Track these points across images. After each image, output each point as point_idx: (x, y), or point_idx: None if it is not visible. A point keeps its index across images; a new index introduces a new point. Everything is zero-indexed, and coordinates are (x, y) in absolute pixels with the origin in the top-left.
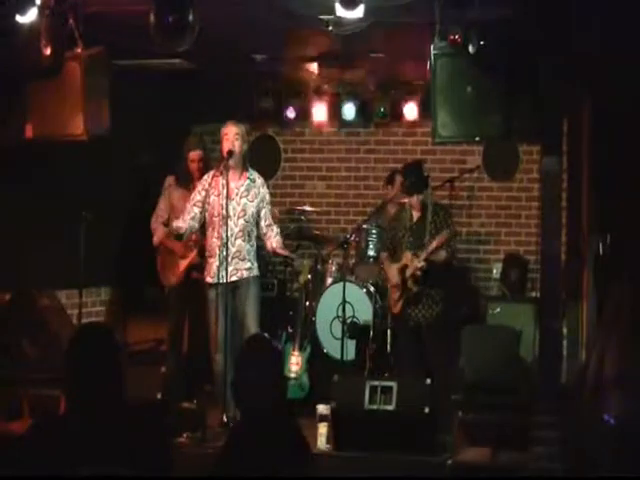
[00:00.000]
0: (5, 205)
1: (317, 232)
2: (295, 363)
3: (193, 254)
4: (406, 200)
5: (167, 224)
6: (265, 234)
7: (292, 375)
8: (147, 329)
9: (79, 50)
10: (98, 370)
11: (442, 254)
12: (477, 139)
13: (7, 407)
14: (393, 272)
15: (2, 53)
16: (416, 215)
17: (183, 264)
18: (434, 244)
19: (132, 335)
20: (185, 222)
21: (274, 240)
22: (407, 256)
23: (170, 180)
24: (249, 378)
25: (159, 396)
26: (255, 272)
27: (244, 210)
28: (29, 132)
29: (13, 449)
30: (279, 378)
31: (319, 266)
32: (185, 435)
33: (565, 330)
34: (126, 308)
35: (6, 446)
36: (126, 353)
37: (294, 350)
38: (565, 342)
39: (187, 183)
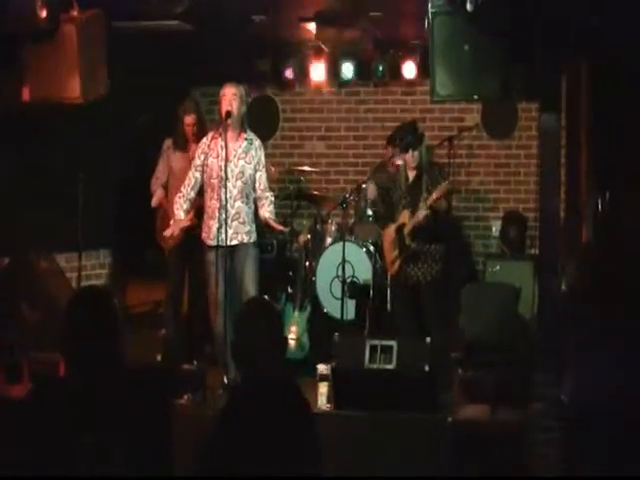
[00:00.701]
0: (2, 169)
1: (316, 192)
2: (295, 323)
3: (191, 215)
4: (400, 162)
5: (165, 186)
6: (259, 200)
7: (292, 335)
8: (146, 291)
9: (75, 12)
10: (96, 333)
11: (443, 203)
12: (475, 98)
13: (7, 371)
14: (390, 232)
15: None
16: (411, 175)
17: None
18: (435, 194)
19: (132, 298)
20: (183, 205)
21: (267, 210)
22: (404, 214)
23: (168, 143)
24: (249, 340)
25: (159, 358)
26: (254, 236)
27: (242, 172)
28: (26, 95)
29: (14, 413)
30: (279, 340)
31: (318, 226)
32: (185, 397)
33: (563, 287)
34: (125, 271)
35: (7, 410)
36: (126, 316)
37: (294, 310)
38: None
39: (184, 146)
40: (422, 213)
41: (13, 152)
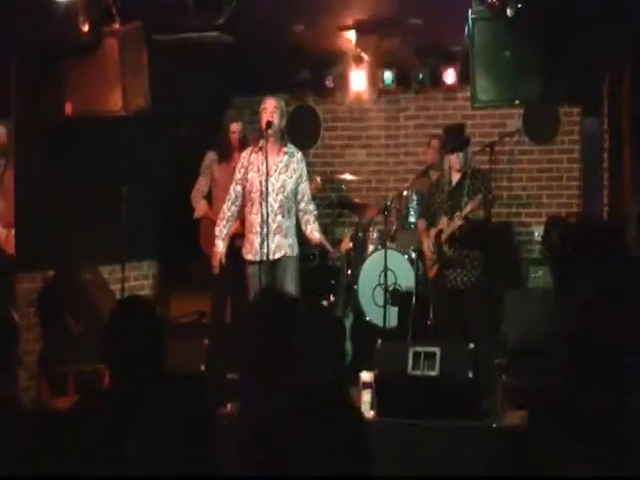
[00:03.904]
0: (46, 183)
1: (357, 200)
2: None
3: (237, 224)
4: (445, 166)
5: (207, 197)
6: (303, 214)
7: None
8: (190, 302)
9: (117, 26)
10: (139, 342)
11: (480, 214)
12: (516, 102)
13: (52, 384)
14: (429, 238)
15: (40, 31)
16: (455, 179)
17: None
18: (469, 207)
19: (175, 308)
20: (223, 231)
21: (313, 227)
22: (443, 221)
23: (211, 156)
24: (313, 350)
25: (202, 368)
26: (296, 249)
27: (283, 186)
28: (68, 109)
29: (58, 425)
30: (340, 348)
31: (360, 234)
32: (229, 406)
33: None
34: (169, 282)
35: (52, 423)
36: (169, 326)
37: None
38: None
39: (228, 156)
40: (457, 224)
41: (56, 165)
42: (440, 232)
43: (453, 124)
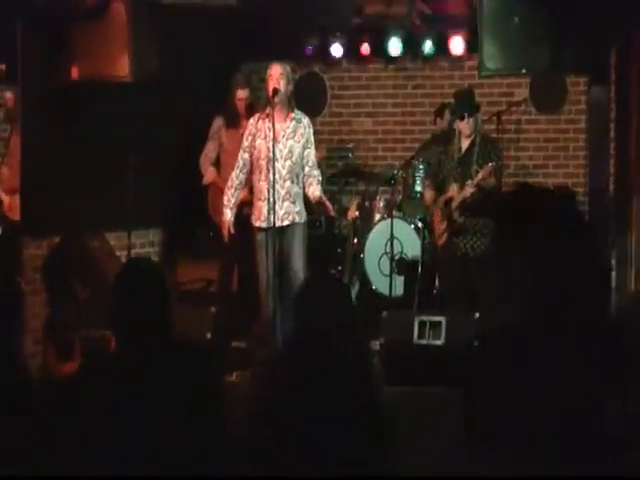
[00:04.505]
0: (52, 148)
1: (364, 169)
2: None
3: (245, 192)
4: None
5: (215, 163)
6: (307, 178)
7: None
8: (197, 269)
9: None
10: (145, 304)
11: (491, 182)
12: (524, 71)
13: (58, 349)
14: (438, 205)
15: None
16: (465, 145)
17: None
18: (480, 175)
19: (182, 276)
20: (231, 199)
21: (316, 188)
22: (453, 188)
23: (219, 121)
24: (319, 318)
25: (209, 336)
26: (304, 215)
27: (291, 152)
28: (75, 74)
29: (63, 389)
30: (349, 317)
31: (366, 203)
32: (235, 374)
33: (614, 261)
34: (175, 249)
35: (57, 387)
36: (176, 293)
37: None
38: (614, 274)
39: (235, 123)
40: (468, 192)
41: (63, 131)
42: (450, 199)
43: (463, 89)
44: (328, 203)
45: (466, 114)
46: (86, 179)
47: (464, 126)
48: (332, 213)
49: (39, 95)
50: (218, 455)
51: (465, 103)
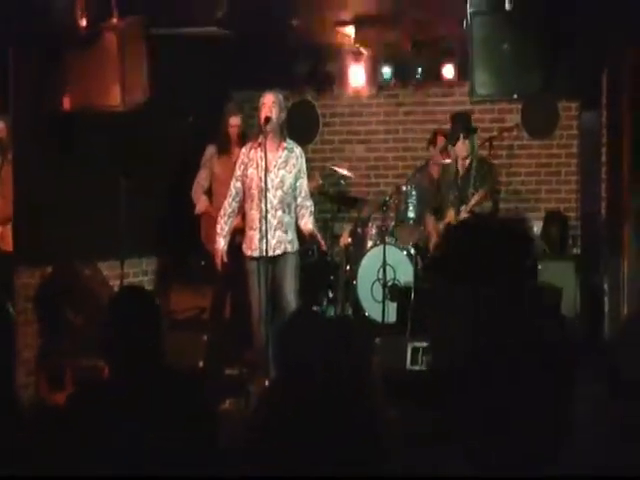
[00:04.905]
0: (45, 178)
1: (356, 195)
2: None
3: (237, 220)
4: (448, 160)
5: (208, 192)
6: (300, 209)
7: None
8: (190, 298)
9: (115, 20)
10: (138, 330)
11: (487, 206)
12: (515, 96)
13: (50, 378)
14: (438, 228)
15: (38, 25)
16: (462, 168)
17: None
18: (474, 200)
19: (175, 304)
20: (224, 228)
21: (308, 220)
22: (450, 214)
23: (211, 150)
24: (296, 352)
25: (201, 364)
26: (296, 244)
27: (282, 181)
28: (67, 104)
29: (54, 417)
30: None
31: (359, 230)
32: (228, 402)
33: (606, 286)
34: (168, 277)
35: (48, 415)
36: (169, 321)
37: (335, 314)
38: (606, 298)
39: (227, 150)
40: (463, 217)
41: (55, 160)
42: (449, 225)
43: (460, 111)
44: (320, 238)
45: (462, 136)
46: (79, 208)
47: (460, 148)
48: (324, 247)
49: (31, 125)
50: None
51: (461, 125)
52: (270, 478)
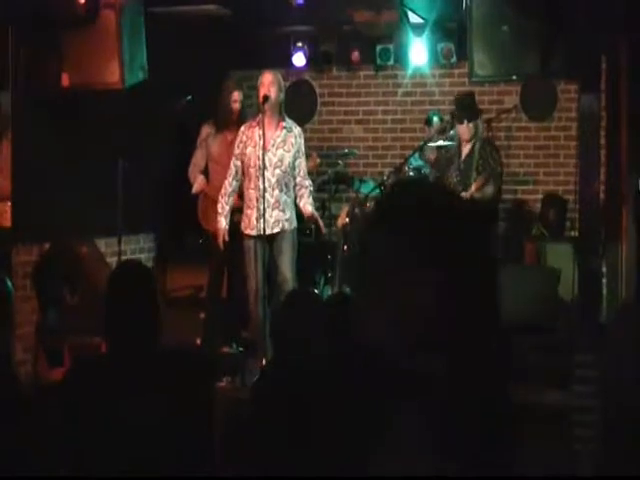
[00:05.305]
0: (43, 155)
1: (354, 175)
2: None
3: (235, 198)
4: (443, 142)
5: (204, 172)
6: (299, 188)
7: None
8: (187, 276)
9: None
10: (137, 304)
11: (489, 190)
12: (514, 78)
13: (48, 355)
14: None
15: (37, 2)
16: (465, 150)
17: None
18: (474, 186)
19: (172, 282)
20: (225, 207)
21: (308, 202)
22: None
23: (207, 129)
24: (295, 332)
25: (198, 341)
26: (294, 223)
27: (280, 160)
28: (65, 81)
29: (53, 393)
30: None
31: (356, 210)
32: (225, 379)
33: (604, 269)
34: (165, 255)
35: (47, 391)
36: (166, 299)
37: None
38: (604, 281)
39: (224, 128)
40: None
41: (53, 138)
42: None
43: (464, 93)
44: (320, 221)
45: (465, 119)
46: (77, 185)
47: (463, 130)
48: (323, 231)
49: (29, 102)
50: (207, 457)
51: (465, 108)
52: (268, 462)
